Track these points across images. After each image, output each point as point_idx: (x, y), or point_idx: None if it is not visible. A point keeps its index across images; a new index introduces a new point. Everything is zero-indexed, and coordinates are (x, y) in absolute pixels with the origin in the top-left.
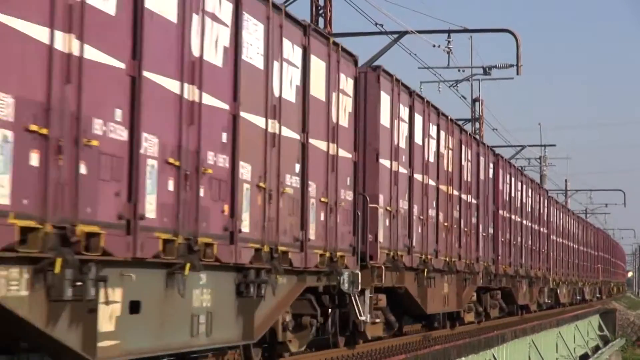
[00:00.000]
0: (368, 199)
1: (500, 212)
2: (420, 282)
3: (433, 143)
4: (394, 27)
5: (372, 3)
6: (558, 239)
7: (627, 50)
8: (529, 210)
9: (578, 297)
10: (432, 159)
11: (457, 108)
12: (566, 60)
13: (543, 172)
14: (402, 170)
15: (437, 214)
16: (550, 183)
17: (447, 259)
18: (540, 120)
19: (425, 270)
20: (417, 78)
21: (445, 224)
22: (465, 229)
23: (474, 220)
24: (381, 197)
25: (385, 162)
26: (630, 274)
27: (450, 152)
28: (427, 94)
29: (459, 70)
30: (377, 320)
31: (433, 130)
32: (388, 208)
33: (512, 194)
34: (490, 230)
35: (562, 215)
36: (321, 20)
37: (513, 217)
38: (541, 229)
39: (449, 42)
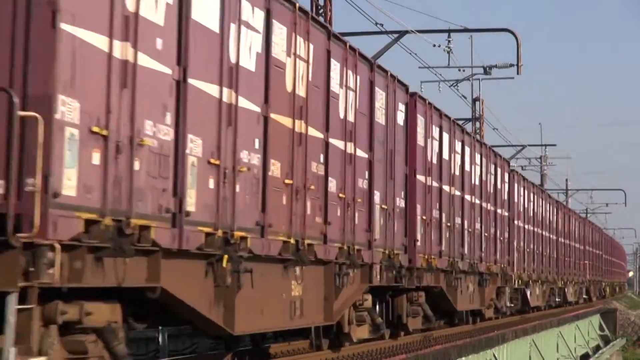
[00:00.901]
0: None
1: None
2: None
3: (458, 157)
4: (394, 26)
5: (372, 3)
6: (525, 225)
7: (627, 51)
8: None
9: (557, 299)
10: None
11: (458, 108)
12: (566, 60)
13: (543, 171)
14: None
15: (462, 221)
16: (550, 183)
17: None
18: (541, 120)
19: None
20: (417, 78)
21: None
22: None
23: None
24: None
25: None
26: (631, 274)
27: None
28: (427, 93)
29: (459, 70)
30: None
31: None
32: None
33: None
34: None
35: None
36: (321, 20)
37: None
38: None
39: (449, 41)
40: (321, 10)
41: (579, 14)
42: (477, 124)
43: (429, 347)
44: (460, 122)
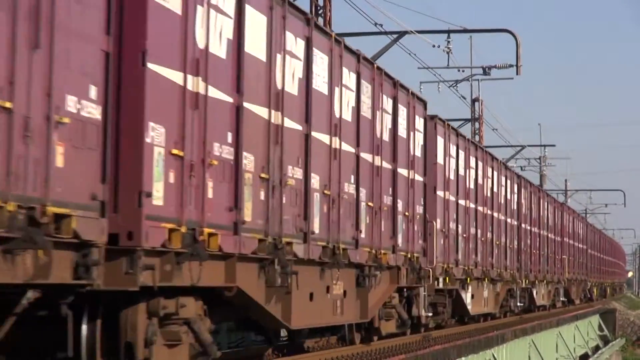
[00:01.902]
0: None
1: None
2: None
3: (472, 172)
4: (393, 27)
5: (371, 3)
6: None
7: (627, 51)
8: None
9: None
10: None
11: (457, 108)
12: (566, 60)
13: (543, 172)
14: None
15: (476, 232)
16: (550, 183)
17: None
18: (540, 120)
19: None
20: (416, 78)
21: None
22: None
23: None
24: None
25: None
26: (630, 274)
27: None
28: (426, 94)
29: (459, 70)
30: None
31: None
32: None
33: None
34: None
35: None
36: (321, 20)
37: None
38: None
39: (448, 42)
40: (320, 11)
41: (579, 14)
42: (477, 125)
43: (428, 347)
44: (459, 123)
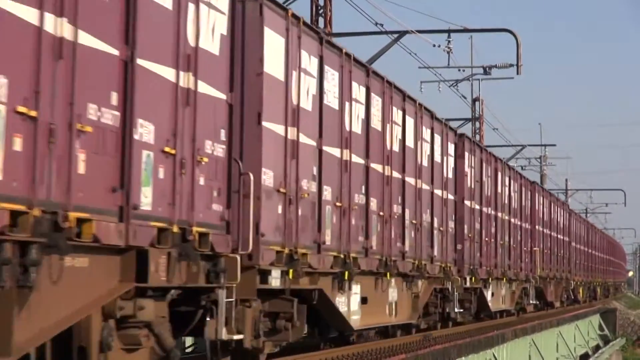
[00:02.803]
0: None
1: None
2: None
3: (491, 181)
4: (394, 27)
5: (372, 3)
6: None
7: (627, 51)
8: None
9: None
10: (517, 206)
11: (457, 108)
12: (566, 60)
13: (543, 171)
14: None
15: (496, 235)
16: (550, 183)
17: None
18: (540, 120)
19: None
20: (417, 78)
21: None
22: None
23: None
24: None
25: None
26: (630, 274)
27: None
28: (427, 93)
29: (459, 70)
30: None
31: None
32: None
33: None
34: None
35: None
36: (321, 20)
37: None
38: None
39: (449, 42)
40: (321, 11)
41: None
42: (477, 124)
43: (428, 347)
44: (460, 122)
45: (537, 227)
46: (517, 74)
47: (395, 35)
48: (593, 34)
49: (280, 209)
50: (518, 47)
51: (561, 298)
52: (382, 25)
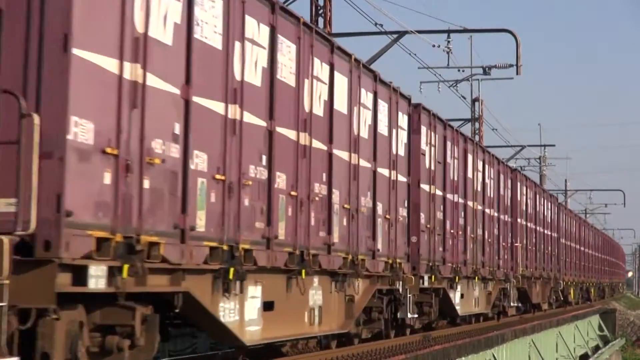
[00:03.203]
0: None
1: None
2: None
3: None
4: (393, 27)
5: (372, 3)
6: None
7: (627, 51)
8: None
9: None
10: (492, 195)
11: (457, 108)
12: (566, 60)
13: (543, 172)
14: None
15: (483, 233)
16: (550, 183)
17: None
18: (540, 120)
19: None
20: (417, 78)
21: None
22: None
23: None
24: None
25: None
26: (630, 274)
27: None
28: (426, 94)
29: (459, 70)
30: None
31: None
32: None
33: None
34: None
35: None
36: (321, 20)
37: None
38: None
39: (448, 42)
40: (321, 11)
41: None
42: (477, 125)
43: (428, 347)
44: (459, 123)
45: (519, 220)
46: (517, 74)
47: (395, 36)
48: (594, 33)
49: (108, 179)
50: (518, 47)
51: (549, 299)
52: (381, 25)
